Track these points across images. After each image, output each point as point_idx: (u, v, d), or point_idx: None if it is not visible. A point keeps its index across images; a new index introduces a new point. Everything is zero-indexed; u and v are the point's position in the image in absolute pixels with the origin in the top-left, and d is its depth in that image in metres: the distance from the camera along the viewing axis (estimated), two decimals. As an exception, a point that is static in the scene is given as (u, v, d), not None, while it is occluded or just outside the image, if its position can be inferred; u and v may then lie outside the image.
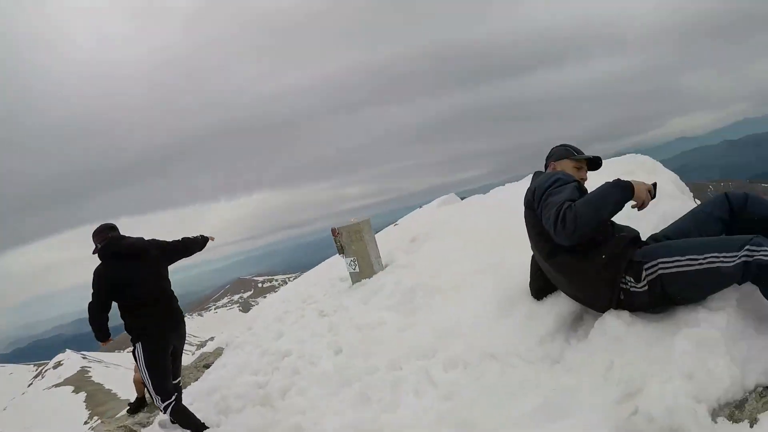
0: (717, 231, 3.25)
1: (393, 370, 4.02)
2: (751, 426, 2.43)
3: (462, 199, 13.14)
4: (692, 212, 3.45)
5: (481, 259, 5.35)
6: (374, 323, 5.08)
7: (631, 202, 3.13)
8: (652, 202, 3.25)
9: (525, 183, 8.83)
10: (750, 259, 2.69)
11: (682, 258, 2.90)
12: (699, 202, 5.64)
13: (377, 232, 10.15)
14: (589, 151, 3.81)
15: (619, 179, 3.09)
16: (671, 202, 4.72)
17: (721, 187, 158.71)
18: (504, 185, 10.10)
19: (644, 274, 3.01)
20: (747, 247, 2.72)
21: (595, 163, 3.84)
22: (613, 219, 3.31)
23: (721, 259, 2.79)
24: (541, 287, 3.88)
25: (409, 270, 6.35)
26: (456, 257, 5.92)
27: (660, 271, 2.96)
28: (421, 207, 14.45)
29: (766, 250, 2.68)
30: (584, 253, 3.20)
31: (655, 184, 3.23)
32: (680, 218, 3.51)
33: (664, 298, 3.06)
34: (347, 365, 4.41)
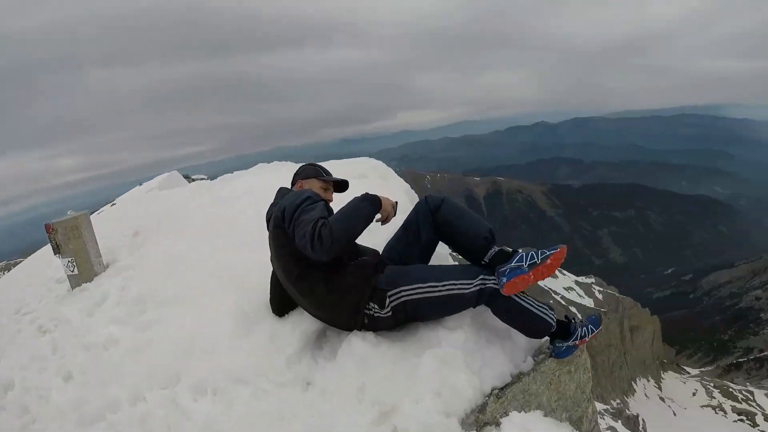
0: (427, 233, 3.50)
1: (137, 401, 3.54)
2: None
3: (186, 177, 12.57)
4: (406, 221, 3.65)
5: (216, 263, 4.98)
6: (104, 341, 4.42)
7: (377, 216, 3.28)
8: (393, 219, 3.45)
9: (254, 174, 8.44)
10: (484, 286, 3.11)
11: (424, 285, 3.14)
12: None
13: (93, 213, 9.15)
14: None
15: (367, 193, 3.23)
16: (405, 216, 4.94)
17: (438, 178, 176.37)
18: (233, 173, 9.54)
19: (388, 301, 3.18)
20: (481, 276, 3.14)
21: (341, 186, 3.94)
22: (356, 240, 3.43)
23: (459, 286, 3.12)
24: (282, 304, 3.81)
25: (136, 273, 5.72)
26: (187, 259, 5.42)
27: (403, 298, 3.16)
28: (141, 184, 13.58)
29: (496, 279, 3.10)
30: (329, 278, 3.26)
31: (396, 203, 3.47)
32: (399, 227, 3.71)
33: (406, 320, 3.31)
34: (83, 399, 3.75)
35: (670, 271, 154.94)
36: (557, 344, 3.38)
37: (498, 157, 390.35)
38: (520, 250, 3.24)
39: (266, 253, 3.63)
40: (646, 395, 47.68)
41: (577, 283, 57.23)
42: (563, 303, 49.87)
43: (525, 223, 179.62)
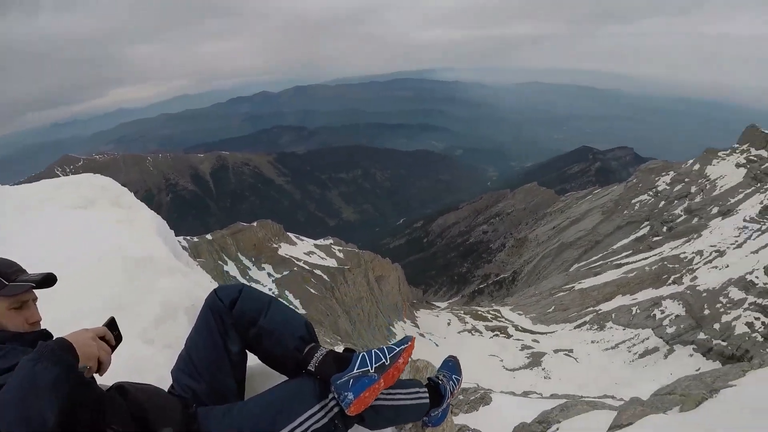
0: (234, 342, 2.56)
1: None
2: None
3: None
4: (201, 330, 2.57)
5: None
6: None
7: (81, 367, 1.86)
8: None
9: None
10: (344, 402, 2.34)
11: None
12: (185, 242, 4.54)
13: None
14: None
15: (42, 345, 1.77)
16: (171, 280, 3.52)
17: (160, 159, 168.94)
18: None
19: None
20: (331, 395, 2.38)
21: (45, 282, 2.25)
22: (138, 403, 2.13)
23: (317, 415, 2.34)
24: None
25: None
26: None
27: None
28: None
29: (349, 393, 2.32)
30: None
31: (112, 321, 2.17)
32: (192, 339, 2.60)
33: None
34: None
35: (401, 221, 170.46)
36: (432, 414, 2.93)
37: (221, 130, 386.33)
38: (358, 351, 2.57)
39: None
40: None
41: (316, 246, 58.51)
42: (307, 268, 50.45)
43: (254, 195, 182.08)
